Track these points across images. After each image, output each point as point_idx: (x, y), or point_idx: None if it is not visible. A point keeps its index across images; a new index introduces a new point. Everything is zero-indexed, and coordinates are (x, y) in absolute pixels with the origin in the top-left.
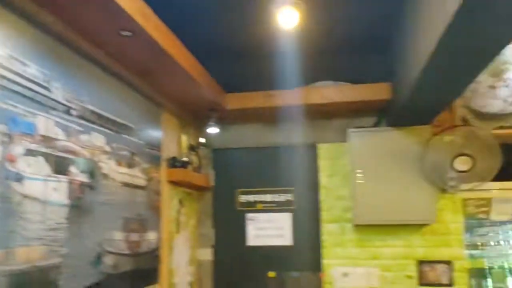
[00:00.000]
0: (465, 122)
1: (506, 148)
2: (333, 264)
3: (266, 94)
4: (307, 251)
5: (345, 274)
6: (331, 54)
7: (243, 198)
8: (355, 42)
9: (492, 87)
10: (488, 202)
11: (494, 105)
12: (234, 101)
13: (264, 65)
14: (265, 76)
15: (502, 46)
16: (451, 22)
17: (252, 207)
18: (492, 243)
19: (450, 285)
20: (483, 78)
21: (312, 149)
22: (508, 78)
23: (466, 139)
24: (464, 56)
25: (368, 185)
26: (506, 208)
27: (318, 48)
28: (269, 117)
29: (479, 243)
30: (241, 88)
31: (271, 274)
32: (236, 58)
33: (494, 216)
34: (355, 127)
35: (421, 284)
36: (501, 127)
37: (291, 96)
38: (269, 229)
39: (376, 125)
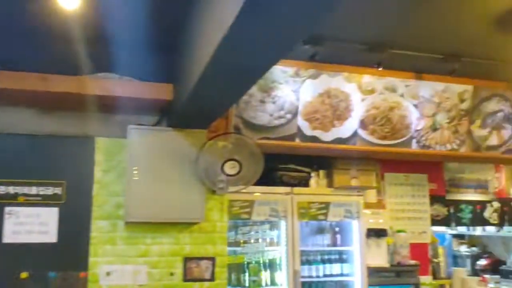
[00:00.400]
0: (237, 130)
1: (267, 157)
2: (100, 262)
3: (41, 77)
4: (73, 249)
5: (110, 273)
6: (121, 47)
7: (2, 189)
8: (147, 39)
9: (262, 101)
10: (250, 203)
11: (262, 118)
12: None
13: (44, 47)
14: (44, 58)
15: (270, 64)
16: (226, 35)
17: (12, 199)
18: (252, 241)
19: (211, 279)
20: (255, 92)
21: (89, 142)
22: (276, 95)
23: (236, 146)
24: (236, 70)
25: (143, 182)
26: (264, 210)
27: (108, 39)
28: (45, 103)
29: (241, 241)
30: (16, 68)
31: (24, 275)
32: (13, 36)
33: (255, 217)
34: (136, 124)
35: (186, 280)
36: (266, 138)
37: (70, 83)
38: (30, 225)
39: (156, 124)
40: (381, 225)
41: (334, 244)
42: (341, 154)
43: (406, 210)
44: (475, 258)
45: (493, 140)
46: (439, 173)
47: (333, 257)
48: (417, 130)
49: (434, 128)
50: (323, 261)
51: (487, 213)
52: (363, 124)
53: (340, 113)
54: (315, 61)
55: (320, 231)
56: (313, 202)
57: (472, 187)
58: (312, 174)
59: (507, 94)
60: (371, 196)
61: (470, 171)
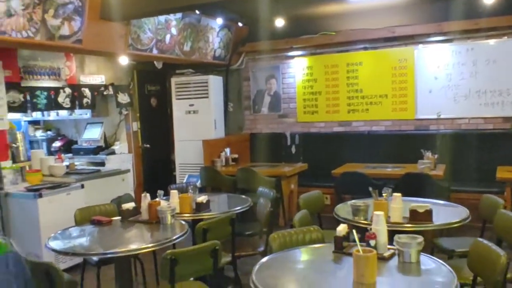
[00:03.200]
0: None
1: None
2: None
3: None
4: None
5: None
6: None
7: None
8: None
9: None
10: None
11: None
12: None
13: None
14: None
15: None
16: None
17: None
18: None
19: None
20: None
21: None
22: None
23: None
24: None
25: None
26: None
27: None
28: None
29: None
30: None
31: None
32: None
33: None
34: None
35: None
36: None
37: None
38: None
39: None
40: None
41: None
42: None
43: None
44: (50, 141)
45: (65, 30)
46: (12, 60)
47: None
48: None
49: (9, 14)
50: None
51: (60, 99)
52: None
53: None
54: None
55: None
56: None
57: (46, 74)
58: None
59: None
60: None
61: (43, 59)
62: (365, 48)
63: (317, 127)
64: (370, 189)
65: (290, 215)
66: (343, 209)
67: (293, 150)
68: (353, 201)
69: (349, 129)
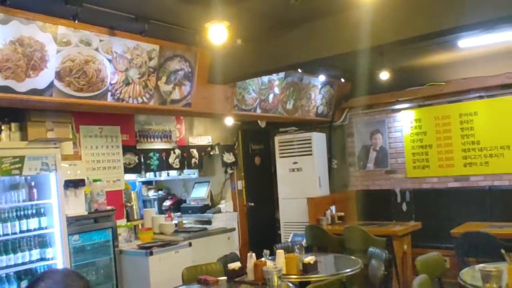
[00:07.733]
0: None
1: None
2: None
3: None
4: None
5: None
6: None
7: None
8: None
9: None
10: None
11: None
12: None
13: None
14: None
15: None
16: None
17: None
18: None
19: None
20: None
21: None
22: None
23: None
24: None
25: None
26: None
27: None
28: None
29: None
30: None
31: None
32: None
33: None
34: None
35: None
36: None
37: None
38: None
39: None
40: (79, 175)
41: (30, 198)
42: (35, 105)
43: (101, 161)
44: (161, 200)
45: (176, 95)
46: (130, 125)
47: (30, 212)
48: (112, 84)
49: (127, 83)
50: (19, 217)
51: (171, 160)
52: (59, 75)
53: (35, 63)
54: (5, 5)
55: (15, 186)
56: (6, 157)
57: (158, 137)
58: (3, 127)
59: (186, 55)
60: (68, 148)
61: (156, 123)
62: (480, 97)
63: (430, 183)
64: (503, 251)
65: (404, 278)
66: (470, 274)
67: (404, 207)
68: (482, 265)
69: (467, 184)
